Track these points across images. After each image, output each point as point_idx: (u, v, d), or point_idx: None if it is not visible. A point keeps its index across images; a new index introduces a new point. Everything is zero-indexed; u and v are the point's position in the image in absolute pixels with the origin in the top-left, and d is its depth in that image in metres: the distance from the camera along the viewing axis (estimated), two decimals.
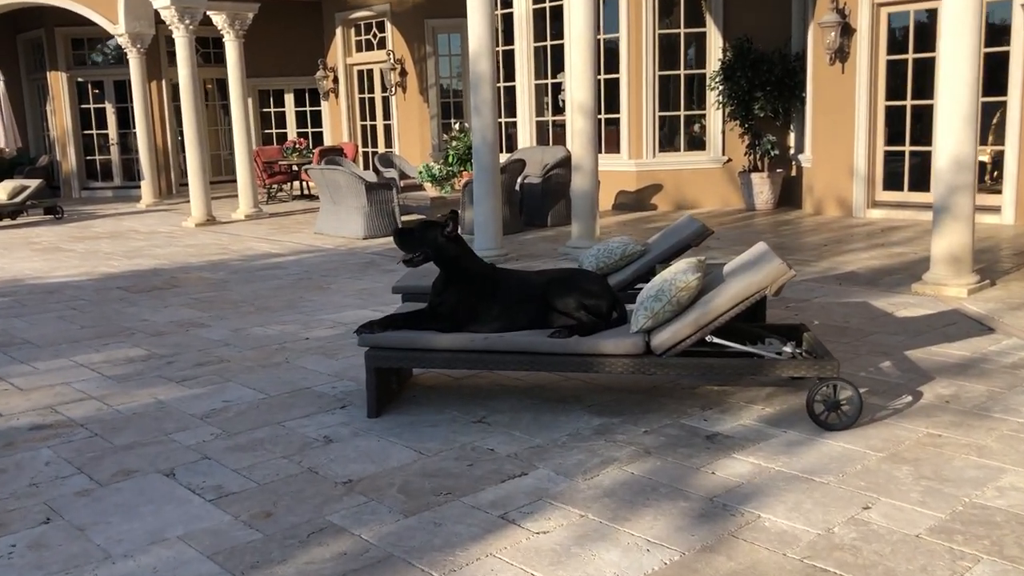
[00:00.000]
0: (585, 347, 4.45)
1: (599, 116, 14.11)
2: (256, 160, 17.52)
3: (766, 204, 13.21)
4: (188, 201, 14.58)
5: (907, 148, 11.80)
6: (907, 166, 11.85)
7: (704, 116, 13.91)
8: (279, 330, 6.64)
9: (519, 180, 12.91)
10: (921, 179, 11.65)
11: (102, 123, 20.80)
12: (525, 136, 15.15)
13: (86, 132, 20.76)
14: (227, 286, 8.65)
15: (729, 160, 13.72)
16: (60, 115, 20.45)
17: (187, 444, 4.27)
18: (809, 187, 12.76)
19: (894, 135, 11.90)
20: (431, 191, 13.24)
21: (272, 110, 21.73)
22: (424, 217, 4.47)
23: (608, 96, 14.15)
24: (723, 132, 13.71)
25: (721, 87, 13.26)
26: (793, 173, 13.48)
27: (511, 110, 15.54)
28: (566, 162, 12.17)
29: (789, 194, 13.40)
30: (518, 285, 4.88)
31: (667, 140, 14.14)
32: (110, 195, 20.55)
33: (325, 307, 7.46)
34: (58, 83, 20.30)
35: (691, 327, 4.40)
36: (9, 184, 15.45)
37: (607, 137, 14.26)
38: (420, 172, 13.31)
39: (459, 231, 4.77)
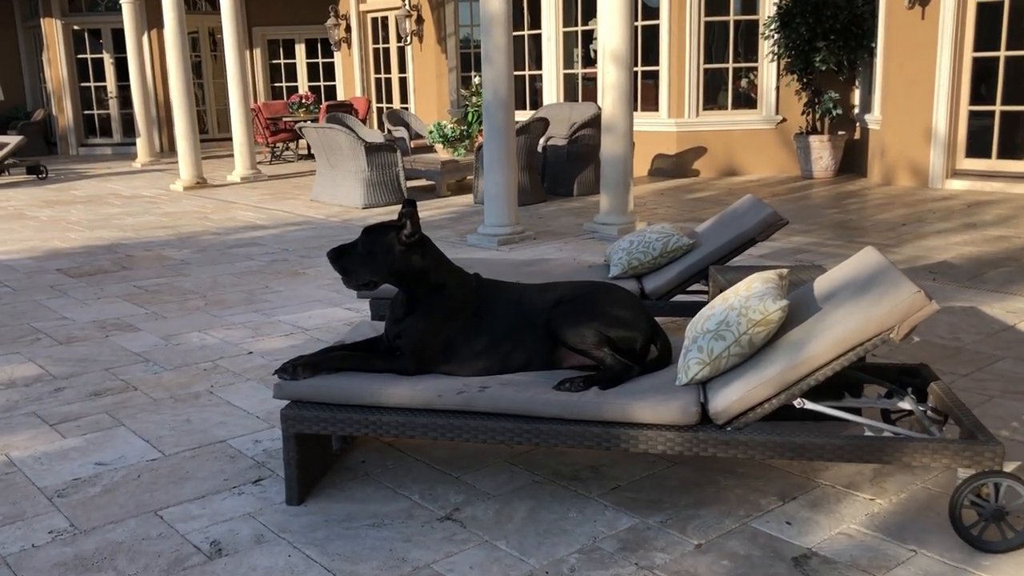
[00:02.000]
0: (608, 412, 2.94)
1: (635, 68, 12.46)
2: (258, 116, 16.04)
3: (825, 171, 11.52)
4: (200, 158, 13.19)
5: (997, 107, 10.03)
6: (997, 129, 10.10)
7: (756, 69, 12.18)
8: (221, 338, 5.20)
9: (542, 142, 11.32)
10: (1014, 144, 9.90)
11: (100, 75, 19.40)
12: (551, 91, 13.50)
13: (84, 84, 19.37)
14: (186, 269, 7.23)
15: (783, 120, 12.01)
16: (56, 66, 19.06)
17: (3, 553, 2.85)
18: (877, 153, 11.05)
19: (981, 92, 10.13)
20: (442, 154, 11.70)
21: (282, 61, 20.20)
22: (406, 211, 2.83)
23: (646, 45, 12.45)
24: (777, 88, 11.99)
25: (776, 36, 11.51)
26: (857, 136, 11.75)
27: (536, 61, 13.86)
28: (596, 121, 10.56)
29: (852, 160, 11.69)
30: (514, 306, 3.38)
31: (712, 97, 12.43)
32: (109, 153, 19.21)
33: (290, 302, 6.01)
34: (53, 31, 18.88)
35: (772, 386, 2.87)
36: None
37: (644, 92, 12.58)
38: (430, 132, 11.75)
39: (420, 230, 3.25)
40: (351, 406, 3.09)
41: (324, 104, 16.14)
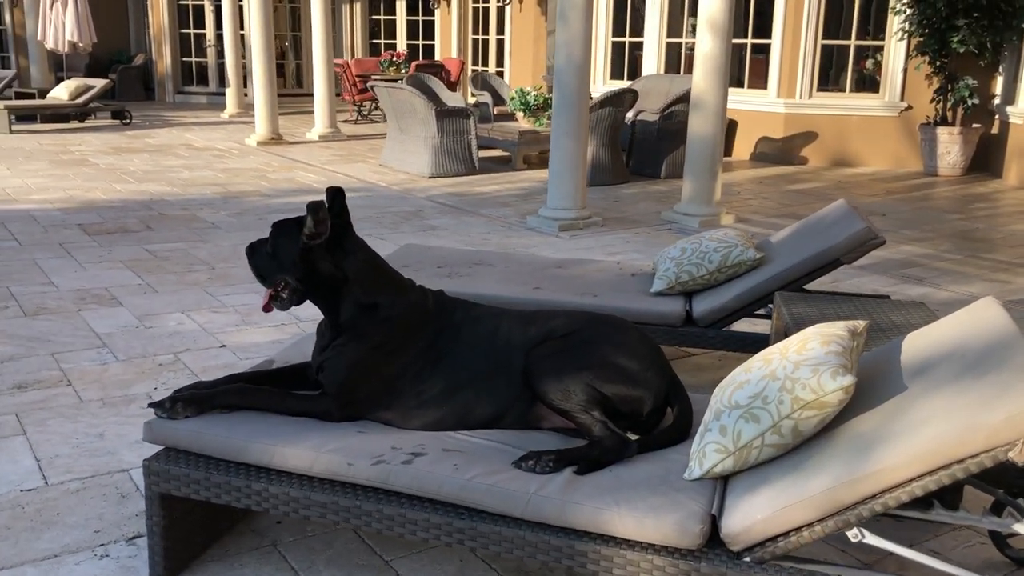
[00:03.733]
0: (575, 516, 2.05)
1: (744, 40, 11.25)
2: (347, 73, 15.44)
3: (952, 168, 10.12)
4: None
5: None
6: None
7: (882, 48, 10.80)
8: (201, 324, 4.50)
9: (631, 116, 10.30)
10: None
11: (201, 22, 19.17)
12: (652, 61, 12.39)
13: (183, 31, 19.20)
14: (211, 234, 6.59)
15: (909, 107, 10.62)
16: (158, 11, 18.92)
17: None
18: (1017, 151, 9.59)
19: None
20: (523, 122, 10.80)
21: (382, 17, 19.58)
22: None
23: (758, 15, 11.22)
24: (905, 70, 10.59)
25: (909, 11, 10.11)
26: (995, 130, 10.28)
27: (637, 27, 12.75)
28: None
29: (985, 158, 10.24)
30: (485, 340, 2.50)
31: (829, 77, 11.12)
32: (204, 101, 19.02)
33: None
34: None
35: (817, 507, 1.92)
36: (72, 83, 13.94)
37: (752, 68, 11.37)
38: (512, 98, 10.86)
39: (326, 230, 2.39)
40: (235, 465, 2.29)
41: (413, 64, 15.41)
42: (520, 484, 2.11)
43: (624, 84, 12.22)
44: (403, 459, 2.20)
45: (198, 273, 5.48)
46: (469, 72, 17.12)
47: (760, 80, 11.25)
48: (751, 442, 2.10)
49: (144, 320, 4.53)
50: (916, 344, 2.28)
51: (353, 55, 19.27)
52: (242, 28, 16.12)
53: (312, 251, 2.39)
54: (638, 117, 10.30)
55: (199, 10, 19.06)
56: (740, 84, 11.38)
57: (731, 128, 11.50)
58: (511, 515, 2.08)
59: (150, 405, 2.35)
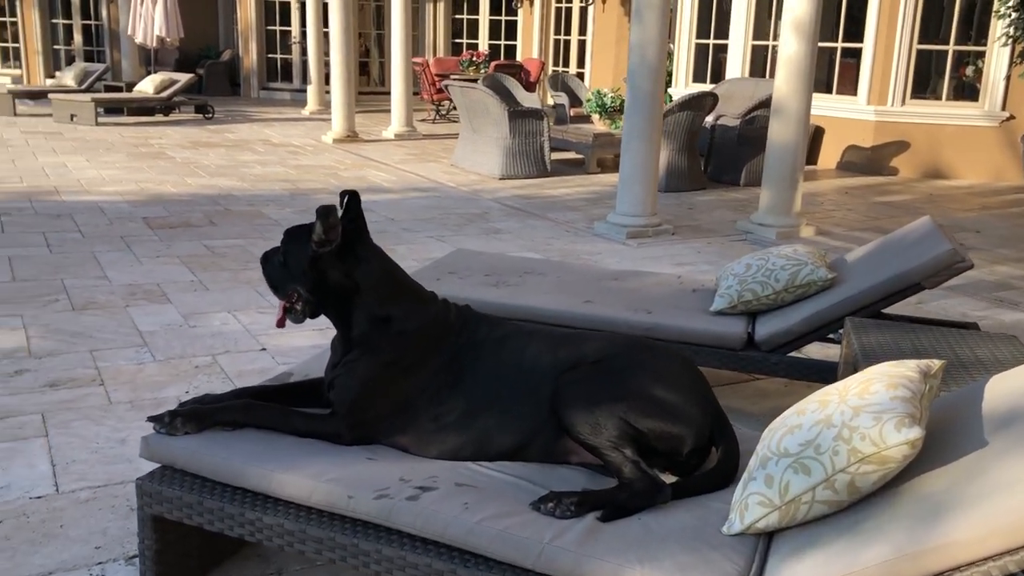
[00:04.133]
0: (592, 572, 1.81)
1: (834, 44, 10.75)
2: (425, 72, 15.39)
3: None
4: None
5: None
6: None
7: (983, 55, 10.19)
8: (245, 324, 4.39)
9: (711, 120, 9.93)
10: None
11: (287, 19, 19.40)
12: (736, 64, 11.96)
13: (270, 28, 19.46)
14: (272, 231, 6.53)
15: (1010, 118, 9.99)
16: (245, 7, 19.23)
17: None
18: None
19: None
20: (598, 125, 10.54)
21: (465, 17, 19.51)
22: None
23: (850, 17, 10.72)
24: (1008, 78, 9.97)
25: (1015, 14, 9.48)
26: None
27: (722, 29, 12.34)
28: None
29: None
30: (512, 361, 2.27)
31: (924, 83, 10.55)
32: (287, 98, 19.24)
33: None
34: None
35: None
36: (157, 77, 14.22)
37: (842, 73, 10.87)
38: (588, 100, 10.60)
39: (336, 237, 2.21)
40: (231, 489, 2.11)
41: (492, 63, 15.26)
42: (534, 531, 1.88)
43: (707, 87, 11.83)
44: (409, 494, 1.99)
45: (252, 271, 5.39)
46: (550, 73, 16.90)
47: (850, 86, 10.75)
48: (800, 496, 1.83)
49: (189, 319, 4.44)
50: (1004, 388, 1.97)
51: (435, 54, 19.26)
52: (326, 26, 16.23)
53: (322, 259, 2.21)
54: (718, 121, 9.93)
55: (285, 7, 19.29)
56: (828, 89, 10.89)
57: (817, 135, 11.01)
58: (522, 566, 1.85)
59: (149, 419, 2.20)
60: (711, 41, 12.55)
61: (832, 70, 10.93)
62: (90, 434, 3.12)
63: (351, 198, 2.28)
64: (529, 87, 15.14)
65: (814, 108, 8.18)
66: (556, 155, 11.33)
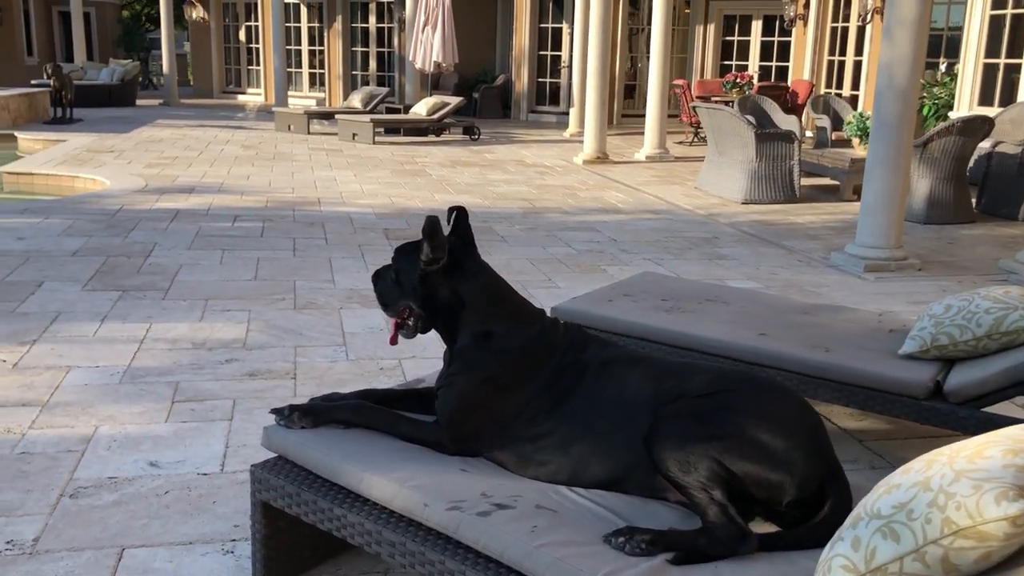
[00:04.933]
0: None
1: None
2: (685, 94, 15.23)
3: None
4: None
5: None
6: None
7: None
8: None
9: (986, 147, 8.98)
10: None
11: (558, 44, 20.01)
12: None
13: (541, 53, 20.16)
14: (496, 247, 6.75)
15: None
16: (520, 34, 20.06)
17: None
18: None
19: None
20: (858, 149, 9.88)
21: (735, 38, 19.10)
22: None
23: None
24: None
25: None
26: None
27: (1017, 47, 11.13)
28: None
29: None
30: (616, 387, 2.19)
31: None
32: (553, 120, 19.81)
33: (548, 303, 5.18)
34: (522, 0, 19.85)
35: None
36: (431, 100, 15.20)
37: None
38: (848, 123, 9.98)
39: (443, 254, 2.23)
40: (327, 485, 2.21)
41: (757, 85, 14.80)
42: (593, 564, 1.79)
43: (993, 111, 10.72)
44: (482, 509, 1.98)
45: None
46: (823, 95, 16.09)
47: None
48: (886, 566, 1.60)
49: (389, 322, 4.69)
50: None
51: (702, 76, 19.01)
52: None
53: (430, 276, 2.26)
54: (996, 149, 8.96)
55: (558, 32, 19.90)
56: None
57: None
58: None
59: (271, 411, 2.36)
60: (1002, 60, 11.37)
61: None
62: (265, 422, 3.39)
63: (459, 214, 2.31)
64: (796, 110, 14.52)
65: None
66: (810, 180, 10.79)
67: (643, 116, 13.28)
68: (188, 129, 15.34)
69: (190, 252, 6.16)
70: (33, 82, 20.26)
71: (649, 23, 19.59)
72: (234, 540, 2.57)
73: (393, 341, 2.40)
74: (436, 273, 2.25)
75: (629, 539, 1.87)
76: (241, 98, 25.19)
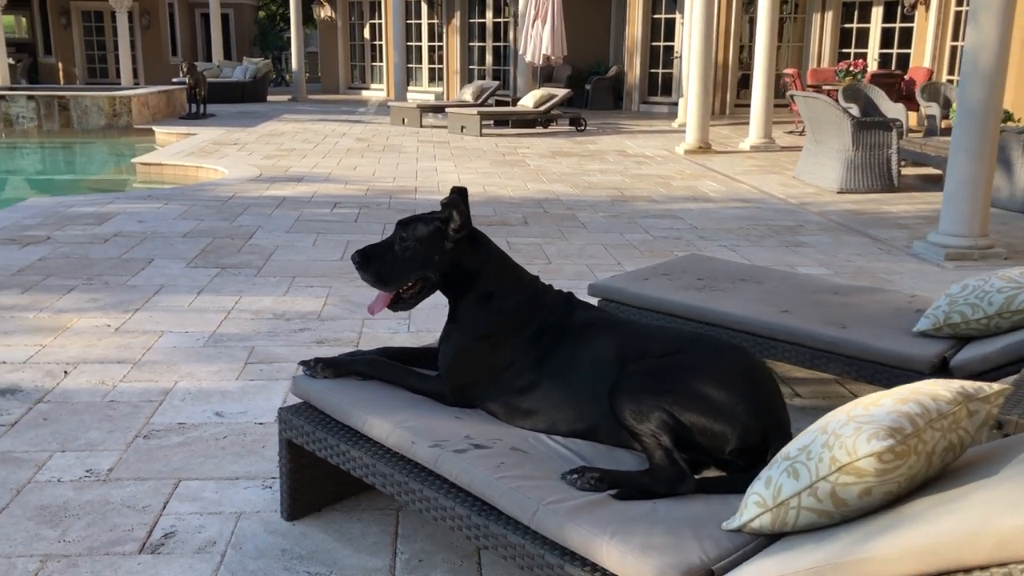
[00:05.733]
0: (570, 537, 1.94)
1: None
2: (795, 83, 14.99)
3: None
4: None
5: None
6: None
7: None
8: None
9: None
10: None
11: (671, 34, 19.95)
12: None
13: (654, 43, 20.15)
14: (576, 233, 6.98)
15: None
16: (633, 25, 20.10)
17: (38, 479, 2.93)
18: None
19: None
20: None
21: (854, 26, 18.58)
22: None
23: None
24: None
25: None
26: None
27: None
28: None
29: None
30: (586, 350, 2.43)
31: None
32: (665, 111, 19.77)
33: None
34: None
35: None
36: (538, 92, 15.48)
37: None
38: (954, 110, 9.67)
39: (470, 224, 2.50)
40: (339, 425, 2.53)
41: (869, 73, 14.42)
42: (543, 494, 2.04)
43: None
44: (460, 448, 2.25)
45: (534, 266, 5.87)
46: (943, 82, 15.51)
47: None
48: (789, 500, 1.80)
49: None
50: None
51: (818, 64, 18.59)
52: None
53: (458, 244, 2.50)
54: None
55: (670, 23, 19.84)
56: None
57: None
58: (520, 521, 2.03)
59: (299, 363, 2.70)
60: None
61: None
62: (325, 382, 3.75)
63: (460, 193, 2.56)
64: (911, 98, 14.07)
65: None
66: (915, 170, 10.54)
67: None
68: (309, 123, 16.15)
69: (288, 235, 6.66)
70: (174, 80, 21.68)
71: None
72: (274, 478, 2.94)
73: (374, 312, 2.60)
74: (462, 242, 2.51)
75: (581, 476, 2.11)
76: (365, 93, 26.15)
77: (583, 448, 2.33)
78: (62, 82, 26.30)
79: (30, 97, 15.12)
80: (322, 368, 2.66)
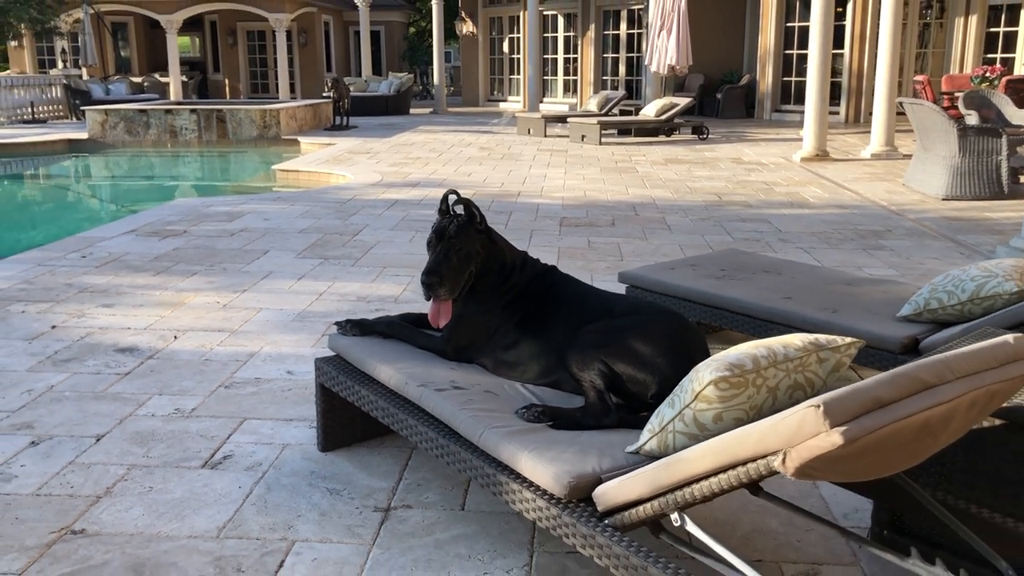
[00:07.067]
0: (503, 451, 2.41)
1: None
2: (925, 90, 14.66)
3: None
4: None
5: None
6: None
7: None
8: None
9: None
10: None
11: (804, 43, 19.72)
12: None
13: (787, 52, 20.00)
14: (656, 233, 7.36)
15: None
16: (765, 33, 20.03)
17: (140, 412, 3.64)
18: None
19: None
20: None
21: (1001, 29, 17.89)
22: None
23: None
24: None
25: None
26: None
27: None
28: None
29: None
30: (556, 314, 2.90)
31: None
32: (797, 119, 19.53)
33: None
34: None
35: (645, 484, 2.04)
36: (659, 102, 15.78)
37: None
38: None
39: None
40: (357, 372, 3.09)
41: (1004, 79, 13.94)
42: (489, 421, 2.53)
43: None
44: (441, 388, 2.76)
45: (606, 262, 6.30)
46: None
47: None
48: (667, 426, 2.21)
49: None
50: None
51: (960, 70, 18.00)
52: (835, 48, 16.33)
53: (492, 234, 2.97)
54: None
55: (804, 31, 19.64)
56: None
57: None
58: (471, 440, 2.52)
59: (335, 324, 3.28)
60: None
61: None
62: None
63: (453, 193, 3.04)
64: None
65: None
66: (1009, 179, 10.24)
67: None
68: (442, 134, 17.03)
69: (390, 232, 7.35)
70: (324, 94, 23.18)
71: (903, 19, 18.85)
72: (293, 422, 3.53)
73: (441, 324, 2.94)
74: (492, 231, 3.00)
75: (528, 410, 2.58)
76: (502, 106, 27.03)
77: (546, 394, 2.80)
78: (228, 96, 28.55)
79: (192, 111, 16.69)
80: (351, 327, 3.23)
